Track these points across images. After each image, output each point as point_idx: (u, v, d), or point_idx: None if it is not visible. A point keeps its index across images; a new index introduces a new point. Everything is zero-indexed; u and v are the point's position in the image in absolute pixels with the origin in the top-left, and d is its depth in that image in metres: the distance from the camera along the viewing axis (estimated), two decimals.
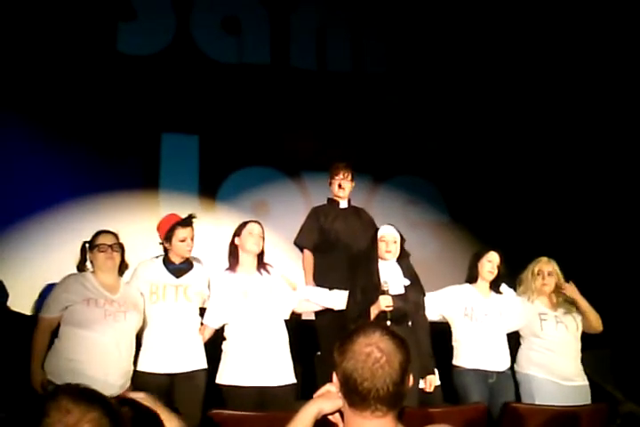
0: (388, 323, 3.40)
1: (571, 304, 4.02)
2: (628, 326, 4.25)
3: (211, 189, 5.28)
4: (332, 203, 4.45)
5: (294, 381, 3.53)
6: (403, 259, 3.80)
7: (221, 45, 5.57)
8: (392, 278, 3.66)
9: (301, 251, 4.36)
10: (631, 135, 5.77)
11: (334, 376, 1.63)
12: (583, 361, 3.91)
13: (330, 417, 1.71)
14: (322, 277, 4.16)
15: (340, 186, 4.37)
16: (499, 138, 5.95)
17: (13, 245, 4.67)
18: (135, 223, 4.13)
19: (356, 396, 1.54)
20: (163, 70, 5.32)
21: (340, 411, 1.68)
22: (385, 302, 3.50)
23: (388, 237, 3.77)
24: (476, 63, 6.02)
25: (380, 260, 3.75)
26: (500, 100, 6.02)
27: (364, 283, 3.68)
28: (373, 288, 3.62)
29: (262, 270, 3.68)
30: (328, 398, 1.71)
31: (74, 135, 4.96)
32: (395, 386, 1.53)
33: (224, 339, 3.58)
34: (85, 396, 1.59)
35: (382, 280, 3.60)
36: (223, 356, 3.54)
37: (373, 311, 3.54)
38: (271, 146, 5.45)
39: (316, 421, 1.70)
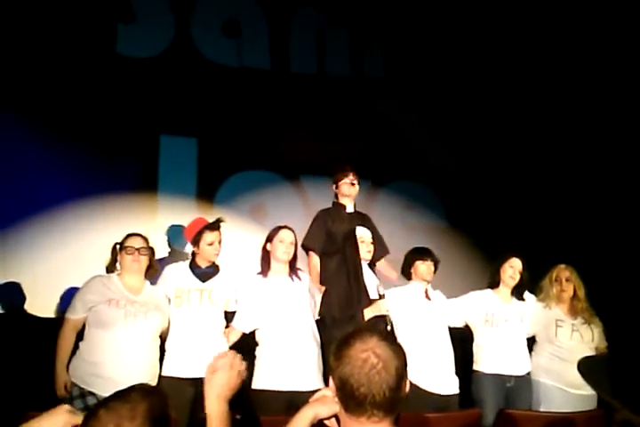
0: (389, 327, 3.39)
1: (591, 314, 4.01)
2: (626, 333, 4.24)
3: (209, 191, 5.26)
4: (339, 206, 4.39)
5: (323, 386, 3.48)
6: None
7: (221, 48, 5.56)
8: (374, 282, 3.67)
9: (307, 253, 4.34)
10: (633, 138, 5.77)
11: (330, 381, 1.63)
12: (579, 368, 3.89)
13: (326, 422, 1.71)
14: (327, 281, 4.14)
15: (352, 184, 4.28)
16: (497, 143, 5.95)
17: (11, 245, 4.65)
18: (133, 225, 4.10)
19: (352, 401, 1.54)
20: (162, 73, 5.31)
21: (336, 416, 1.67)
22: (385, 306, 3.48)
23: (366, 237, 3.78)
24: (476, 68, 6.03)
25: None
26: (498, 105, 6.02)
27: (348, 285, 3.67)
28: (359, 290, 3.61)
29: (294, 276, 3.69)
30: (324, 402, 1.70)
31: (72, 137, 4.95)
32: (391, 392, 1.52)
33: (257, 344, 3.56)
34: (154, 417, 1.55)
35: (377, 283, 3.59)
36: (257, 361, 3.50)
37: (368, 315, 3.52)
38: (270, 149, 5.44)
39: (312, 425, 1.70)
